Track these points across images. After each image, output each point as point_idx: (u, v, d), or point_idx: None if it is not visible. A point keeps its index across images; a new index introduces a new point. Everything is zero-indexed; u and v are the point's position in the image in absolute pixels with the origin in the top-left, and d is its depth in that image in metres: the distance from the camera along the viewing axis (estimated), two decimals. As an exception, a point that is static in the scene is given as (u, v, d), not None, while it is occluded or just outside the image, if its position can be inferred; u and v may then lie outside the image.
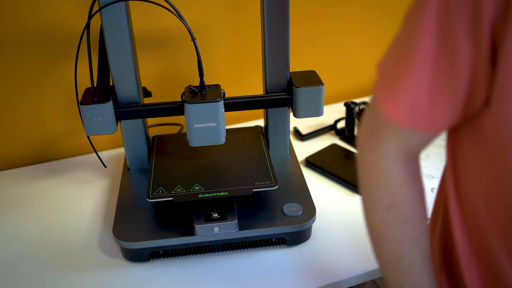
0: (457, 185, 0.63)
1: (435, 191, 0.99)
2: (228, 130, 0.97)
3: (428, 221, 0.67)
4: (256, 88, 1.18)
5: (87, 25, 0.84)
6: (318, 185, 1.05)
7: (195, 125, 0.85)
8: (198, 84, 0.87)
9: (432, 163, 1.09)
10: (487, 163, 0.56)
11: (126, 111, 0.91)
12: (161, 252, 0.87)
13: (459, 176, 0.62)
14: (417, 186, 0.61)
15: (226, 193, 0.85)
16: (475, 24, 0.47)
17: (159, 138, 1.05)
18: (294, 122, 1.25)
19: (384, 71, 0.57)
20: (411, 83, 0.53)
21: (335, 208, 0.98)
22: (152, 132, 1.20)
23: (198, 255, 0.88)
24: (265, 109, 1.03)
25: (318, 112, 0.94)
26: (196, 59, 0.85)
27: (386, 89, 0.56)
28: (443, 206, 0.68)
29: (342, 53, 1.36)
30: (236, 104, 0.93)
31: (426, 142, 0.59)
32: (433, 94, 0.52)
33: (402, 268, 0.61)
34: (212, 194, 0.85)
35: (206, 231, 0.84)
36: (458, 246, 0.63)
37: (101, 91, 0.91)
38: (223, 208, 0.87)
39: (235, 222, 0.85)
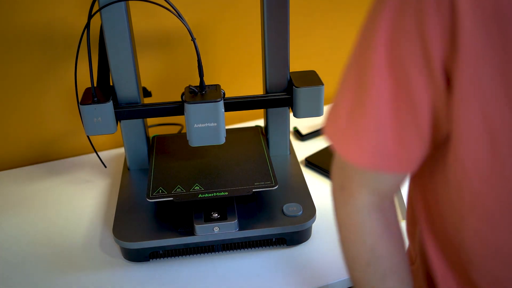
0: (426, 207, 0.62)
1: None
2: (228, 130, 0.97)
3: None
4: (256, 88, 1.18)
5: (87, 25, 0.84)
6: (318, 185, 1.05)
7: (195, 125, 0.85)
8: (198, 84, 0.87)
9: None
10: (448, 191, 0.56)
11: (126, 111, 0.91)
12: (161, 252, 0.87)
13: (427, 197, 0.61)
14: (395, 237, 0.59)
15: (226, 193, 0.85)
16: (426, 59, 0.47)
17: (159, 138, 1.05)
18: (294, 122, 1.25)
19: (338, 117, 0.55)
20: (371, 125, 0.52)
21: (335, 208, 0.98)
22: (152, 132, 1.20)
23: (198, 255, 0.88)
24: (265, 109, 1.03)
25: (318, 112, 0.94)
26: (196, 59, 0.85)
27: (345, 135, 0.55)
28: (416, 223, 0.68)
29: (342, 53, 1.36)
30: (236, 104, 0.93)
31: (397, 183, 0.57)
32: (398, 133, 0.51)
33: None
34: (212, 194, 0.85)
35: (206, 231, 0.84)
36: (434, 262, 0.63)
37: (101, 91, 0.91)
38: (223, 208, 0.87)
39: (235, 222, 0.85)
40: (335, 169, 0.60)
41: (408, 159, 0.53)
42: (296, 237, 0.88)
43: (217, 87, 0.89)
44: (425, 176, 0.61)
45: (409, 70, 0.48)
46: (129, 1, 0.91)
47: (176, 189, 0.87)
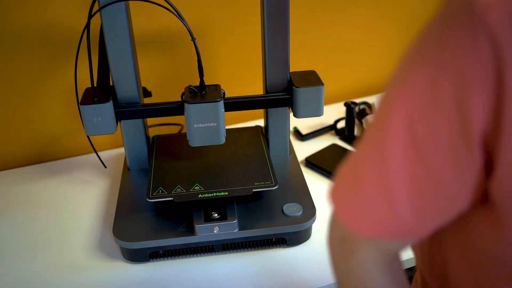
0: (443, 273, 0.58)
1: None
2: (228, 130, 0.97)
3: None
4: (256, 88, 1.18)
5: (87, 25, 0.84)
6: (318, 185, 1.05)
7: (195, 125, 0.85)
8: (198, 84, 0.87)
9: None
10: (481, 259, 0.52)
11: (126, 111, 0.91)
12: (161, 252, 0.87)
13: (447, 262, 0.57)
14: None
15: (226, 193, 0.85)
16: (464, 134, 0.42)
17: (159, 138, 1.05)
18: (294, 122, 1.25)
19: (344, 180, 0.51)
20: (382, 195, 0.47)
21: (335, 208, 0.98)
22: (152, 132, 1.20)
23: (198, 255, 0.88)
24: (265, 109, 1.03)
25: (318, 112, 0.94)
26: (196, 59, 0.85)
27: (348, 198, 0.51)
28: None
29: (342, 53, 1.36)
30: (236, 104, 0.93)
31: (407, 245, 0.54)
32: (414, 203, 0.47)
33: None
34: (212, 194, 0.85)
35: (206, 231, 0.84)
36: None
37: (101, 91, 0.91)
38: (223, 208, 0.87)
39: (235, 222, 0.85)
40: (334, 222, 0.55)
41: (421, 230, 0.49)
42: (296, 237, 0.88)
43: (217, 87, 0.89)
44: (448, 241, 0.56)
45: (442, 147, 0.43)
46: (129, 1, 0.91)
47: (176, 189, 0.87)
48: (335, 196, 0.52)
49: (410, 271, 1.16)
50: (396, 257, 0.55)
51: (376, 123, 0.48)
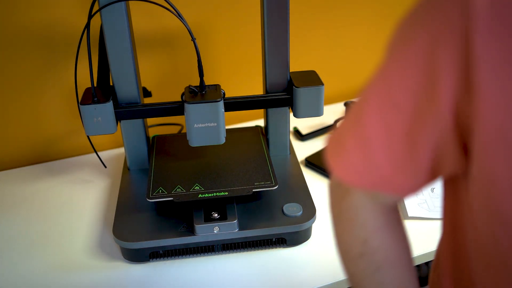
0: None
1: (435, 190, 0.99)
2: (228, 130, 0.97)
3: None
4: (256, 88, 1.18)
5: (87, 25, 0.84)
6: (318, 185, 1.05)
7: (195, 125, 0.85)
8: (198, 84, 0.87)
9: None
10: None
11: (126, 111, 0.91)
12: (161, 252, 0.87)
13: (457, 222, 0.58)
14: (395, 232, 0.57)
15: (226, 193, 0.85)
16: (431, 97, 0.45)
17: (159, 138, 1.05)
18: (294, 122, 1.25)
19: (337, 136, 0.55)
20: (364, 146, 0.51)
21: (335, 208, 0.98)
22: (152, 132, 1.20)
23: (198, 255, 0.88)
24: (265, 109, 1.03)
25: (318, 112, 0.94)
26: (196, 59, 0.85)
27: (337, 151, 0.54)
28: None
29: (342, 53, 1.36)
30: (236, 104, 0.93)
31: (397, 199, 0.56)
32: (392, 161, 0.50)
33: None
34: (212, 194, 0.85)
35: (206, 231, 0.84)
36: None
37: (101, 91, 0.91)
38: (223, 208, 0.87)
39: (235, 222, 0.85)
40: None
41: (401, 185, 0.52)
42: (296, 237, 0.88)
43: (217, 87, 0.89)
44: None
45: (412, 102, 0.46)
46: (129, 1, 0.91)
47: (176, 189, 0.87)
48: (328, 147, 0.56)
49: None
50: (392, 209, 0.58)
51: (365, 85, 0.52)
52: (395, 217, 0.59)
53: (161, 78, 1.21)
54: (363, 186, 0.53)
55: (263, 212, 0.89)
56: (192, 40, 0.83)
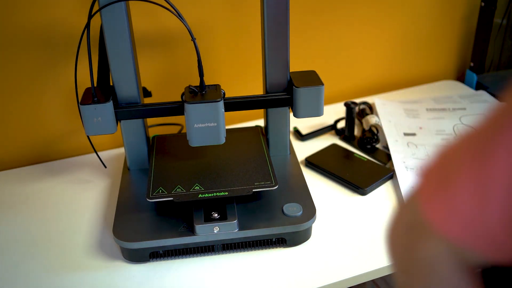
0: None
1: None
2: (228, 130, 0.97)
3: None
4: (256, 88, 1.18)
5: (87, 25, 0.84)
6: (318, 185, 1.05)
7: (195, 125, 0.85)
8: (198, 84, 0.87)
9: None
10: None
11: (126, 111, 0.91)
12: (161, 252, 0.87)
13: None
14: None
15: (226, 193, 0.85)
16: None
17: (159, 138, 1.05)
18: (294, 122, 1.25)
19: (444, 171, 0.45)
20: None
21: (335, 208, 0.98)
22: (152, 132, 1.20)
23: (198, 255, 0.88)
24: (265, 109, 1.03)
25: (318, 112, 0.94)
26: (196, 59, 0.85)
27: (442, 188, 0.44)
28: None
29: (342, 53, 1.36)
30: (236, 104, 0.93)
31: (486, 260, 0.47)
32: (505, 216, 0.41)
33: None
34: (212, 194, 0.85)
35: (206, 231, 0.84)
36: None
37: (101, 91, 0.91)
38: (223, 208, 0.87)
39: (235, 222, 0.85)
40: (404, 208, 0.50)
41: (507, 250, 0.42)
42: (296, 237, 0.88)
43: (217, 87, 0.89)
44: None
45: None
46: (129, 1, 0.91)
47: (176, 189, 0.87)
48: (423, 190, 0.47)
49: None
50: (473, 268, 0.48)
51: (479, 137, 0.43)
52: (475, 278, 0.50)
53: (161, 78, 1.21)
54: (462, 240, 0.43)
55: (263, 212, 0.89)
56: (192, 40, 0.83)
